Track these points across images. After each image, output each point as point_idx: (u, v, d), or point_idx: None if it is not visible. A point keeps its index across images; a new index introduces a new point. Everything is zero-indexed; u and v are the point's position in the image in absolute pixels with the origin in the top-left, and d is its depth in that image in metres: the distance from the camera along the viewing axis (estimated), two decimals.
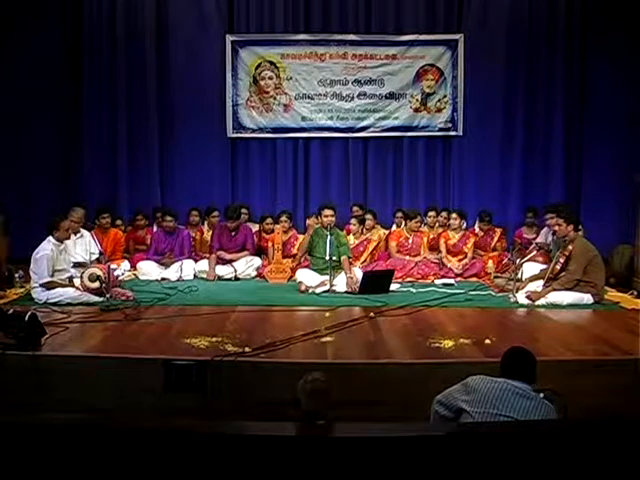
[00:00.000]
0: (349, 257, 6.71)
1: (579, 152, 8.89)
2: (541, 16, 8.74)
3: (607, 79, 8.55)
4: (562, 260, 5.93)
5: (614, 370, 4.08)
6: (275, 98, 9.00)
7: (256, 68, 8.96)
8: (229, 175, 9.05)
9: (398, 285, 6.65)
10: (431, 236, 7.78)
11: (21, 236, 7.08)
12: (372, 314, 5.36)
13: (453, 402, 2.91)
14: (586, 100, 8.78)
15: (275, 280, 7.01)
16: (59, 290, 5.70)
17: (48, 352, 4.24)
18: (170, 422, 2.70)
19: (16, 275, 6.55)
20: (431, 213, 8.00)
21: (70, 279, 5.92)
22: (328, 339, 4.62)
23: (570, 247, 5.93)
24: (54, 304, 5.59)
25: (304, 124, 9.03)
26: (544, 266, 6.46)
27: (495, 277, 6.88)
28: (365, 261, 7.48)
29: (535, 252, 6.87)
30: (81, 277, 5.83)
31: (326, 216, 6.72)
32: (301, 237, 7.61)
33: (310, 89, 8.99)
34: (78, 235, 6.82)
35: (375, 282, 6.38)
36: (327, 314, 5.45)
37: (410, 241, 7.57)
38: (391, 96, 9.00)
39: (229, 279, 7.16)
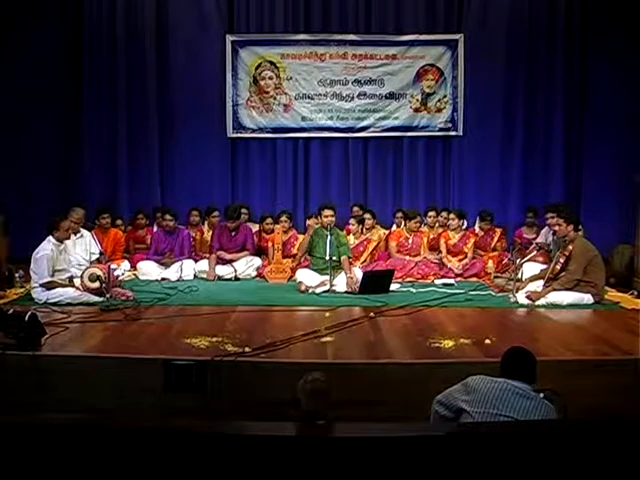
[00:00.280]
0: (349, 257, 6.71)
1: (579, 152, 8.89)
2: (541, 16, 8.74)
3: (607, 79, 8.55)
4: (562, 260, 5.93)
5: (614, 370, 4.08)
6: (275, 98, 9.00)
7: (256, 68, 8.96)
8: (229, 175, 9.05)
9: (398, 285, 6.65)
10: (431, 236, 7.78)
11: (21, 236, 7.08)
12: (372, 314, 5.36)
13: (453, 402, 2.91)
14: (586, 100, 8.78)
15: (275, 280, 7.01)
16: (59, 290, 5.70)
17: (48, 352, 4.23)
18: (170, 422, 2.70)
19: (16, 275, 6.55)
20: (431, 213, 8.00)
21: (70, 279, 5.92)
22: (328, 339, 4.62)
23: (570, 247, 5.92)
24: (54, 304, 5.59)
25: (304, 124, 9.03)
26: (544, 266, 6.46)
27: (495, 277, 6.88)
28: (365, 261, 7.48)
29: (535, 252, 6.87)
30: (81, 277, 5.84)
31: (326, 216, 6.72)
32: (301, 237, 7.61)
33: (310, 89, 9.00)
34: (78, 235, 6.83)
35: (375, 282, 6.38)
36: (327, 314, 5.45)
37: (410, 241, 7.57)
38: (391, 96, 9.00)
39: (229, 279, 7.16)
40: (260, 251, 7.68)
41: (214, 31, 8.85)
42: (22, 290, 6.29)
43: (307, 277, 6.57)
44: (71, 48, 8.74)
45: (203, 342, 4.45)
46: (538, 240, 7.40)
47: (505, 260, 7.24)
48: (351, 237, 7.50)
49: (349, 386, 3.80)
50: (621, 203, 8.05)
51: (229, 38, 8.88)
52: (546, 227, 7.36)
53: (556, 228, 6.24)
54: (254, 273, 7.32)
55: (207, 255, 7.43)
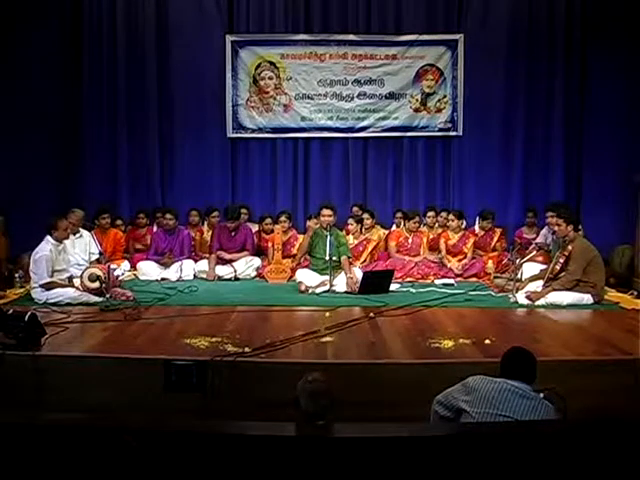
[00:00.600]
0: (349, 257, 6.71)
1: (579, 152, 8.88)
2: (541, 16, 8.73)
3: (607, 79, 8.53)
4: (562, 260, 5.94)
5: (614, 370, 4.08)
6: (275, 98, 8.99)
7: (256, 68, 8.95)
8: (229, 175, 9.04)
9: (398, 285, 6.65)
10: (431, 236, 7.78)
11: (21, 236, 7.07)
12: (372, 314, 5.36)
13: (453, 402, 2.91)
14: (586, 100, 8.77)
15: (275, 280, 7.01)
16: (59, 290, 5.70)
17: (48, 352, 4.23)
18: (170, 422, 2.70)
19: (16, 275, 6.55)
20: (430, 213, 8.00)
21: (70, 279, 5.92)
22: (328, 339, 4.62)
23: (570, 247, 5.93)
24: (54, 304, 5.59)
25: (304, 124, 9.02)
26: (544, 266, 6.46)
27: (495, 277, 6.88)
28: (365, 261, 7.48)
29: (535, 252, 6.88)
30: (81, 277, 5.84)
31: (324, 216, 6.72)
32: (301, 237, 7.61)
33: (310, 89, 8.99)
34: (77, 235, 6.83)
35: (375, 282, 6.38)
36: (327, 314, 5.45)
37: (410, 241, 7.58)
38: (391, 96, 8.99)
39: (229, 279, 7.17)
40: (260, 251, 7.69)
41: (214, 31, 8.83)
42: (22, 290, 6.30)
43: (307, 277, 6.57)
44: (71, 47, 8.74)
45: (203, 342, 4.45)
46: (538, 240, 7.40)
47: (505, 260, 7.23)
48: (350, 237, 7.50)
49: (349, 386, 3.80)
50: (621, 203, 8.04)
51: (229, 38, 8.87)
52: (546, 227, 7.36)
53: (556, 228, 6.25)
54: (254, 273, 7.33)
55: (207, 255, 7.44)
